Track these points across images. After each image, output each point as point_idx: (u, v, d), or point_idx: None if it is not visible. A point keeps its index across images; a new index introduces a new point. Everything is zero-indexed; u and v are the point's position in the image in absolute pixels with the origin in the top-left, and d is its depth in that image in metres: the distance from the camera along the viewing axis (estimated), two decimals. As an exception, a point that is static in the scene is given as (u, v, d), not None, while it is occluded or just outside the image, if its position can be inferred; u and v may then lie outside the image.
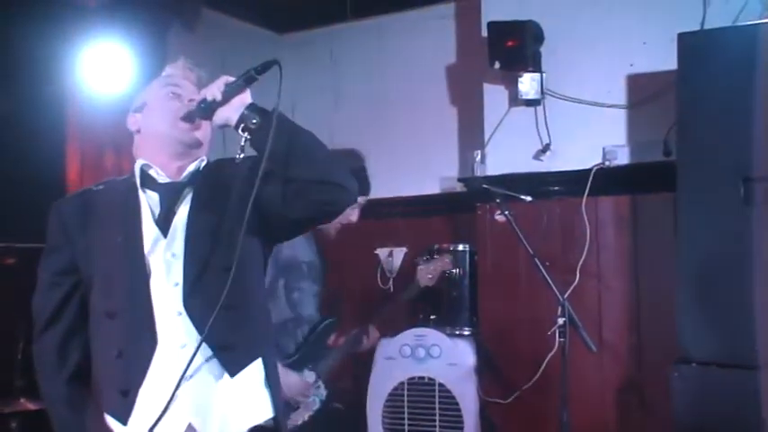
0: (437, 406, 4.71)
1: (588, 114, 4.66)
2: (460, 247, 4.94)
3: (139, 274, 2.30)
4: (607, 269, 4.62)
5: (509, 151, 4.85)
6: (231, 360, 2.29)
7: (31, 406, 3.99)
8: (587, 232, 4.59)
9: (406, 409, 4.78)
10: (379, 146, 5.34)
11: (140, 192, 2.41)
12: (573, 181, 4.64)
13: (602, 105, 4.63)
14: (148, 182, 2.42)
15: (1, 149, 4.46)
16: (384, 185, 5.21)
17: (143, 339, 2.26)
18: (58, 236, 2.42)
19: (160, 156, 2.44)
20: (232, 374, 2.29)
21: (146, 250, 2.33)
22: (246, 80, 2.26)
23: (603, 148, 4.61)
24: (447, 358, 4.75)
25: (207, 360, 2.26)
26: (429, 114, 5.43)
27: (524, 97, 4.73)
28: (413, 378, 4.78)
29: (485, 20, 4.80)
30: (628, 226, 4.60)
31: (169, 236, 2.35)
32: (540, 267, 3.88)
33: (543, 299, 4.21)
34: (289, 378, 3.51)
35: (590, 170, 4.59)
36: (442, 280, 4.59)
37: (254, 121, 2.23)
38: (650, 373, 4.38)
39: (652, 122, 4.45)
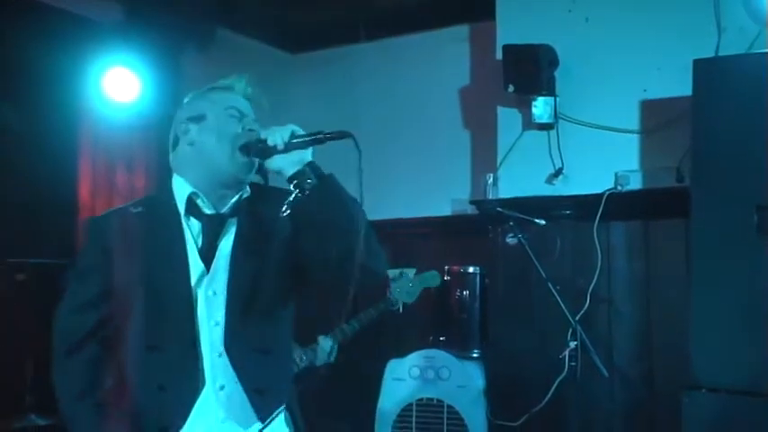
0: (446, 428, 4.69)
1: (601, 139, 4.67)
2: (471, 270, 4.94)
3: (187, 309, 2.26)
4: (618, 293, 4.60)
5: (522, 174, 4.86)
6: (263, 404, 2.30)
7: (40, 422, 3.99)
8: (599, 256, 4.58)
9: (414, 431, 4.76)
10: (391, 167, 5.36)
11: (183, 219, 2.34)
12: (585, 205, 4.63)
13: (616, 130, 4.63)
14: (192, 209, 2.34)
15: (14, 166, 4.49)
16: (396, 206, 5.25)
17: (189, 378, 2.24)
18: (96, 255, 2.33)
19: (207, 179, 2.34)
20: (263, 420, 2.29)
21: (192, 284, 2.29)
22: (314, 140, 2.20)
23: (616, 173, 4.61)
24: (456, 380, 4.73)
25: (241, 402, 2.27)
26: (442, 136, 5.45)
27: (538, 121, 4.73)
28: (421, 400, 4.77)
29: (500, 43, 4.81)
30: (639, 251, 4.59)
31: (211, 272, 2.30)
32: (553, 290, 3.87)
33: (554, 322, 4.19)
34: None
35: (602, 195, 4.58)
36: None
37: (309, 181, 2.17)
38: (661, 399, 4.35)
39: (665, 148, 4.46)
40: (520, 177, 4.86)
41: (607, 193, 4.59)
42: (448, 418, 4.70)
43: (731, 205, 3.69)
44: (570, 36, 4.75)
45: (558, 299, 3.86)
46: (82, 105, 4.86)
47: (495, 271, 4.88)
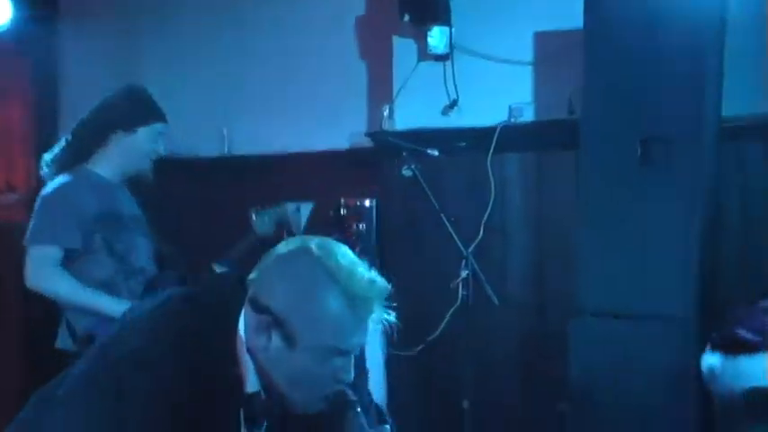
0: (343, 359, 4.73)
1: (496, 71, 4.68)
2: (367, 203, 4.93)
3: None
4: (512, 225, 4.67)
5: (417, 106, 4.84)
6: None
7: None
8: (492, 188, 4.63)
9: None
10: (286, 100, 5.27)
11: None
12: (479, 137, 4.65)
13: (510, 62, 4.65)
14: None
15: None
16: (292, 139, 5.18)
17: None
18: None
19: None
20: None
21: None
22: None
23: (510, 106, 4.64)
24: (353, 312, 4.75)
25: None
26: (337, 68, 5.33)
27: (433, 52, 4.72)
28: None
29: (395, -29, 4.76)
30: (533, 183, 4.66)
31: None
32: (446, 222, 3.91)
33: (449, 254, 4.24)
34: None
35: (496, 127, 4.61)
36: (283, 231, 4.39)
37: None
38: (552, 327, 4.46)
39: (558, 80, 4.50)
40: (416, 109, 4.84)
41: (501, 125, 4.62)
42: (345, 349, 4.73)
43: (617, 138, 3.77)
44: (467, -36, 4.72)
45: (451, 230, 3.90)
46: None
47: (391, 203, 4.89)
